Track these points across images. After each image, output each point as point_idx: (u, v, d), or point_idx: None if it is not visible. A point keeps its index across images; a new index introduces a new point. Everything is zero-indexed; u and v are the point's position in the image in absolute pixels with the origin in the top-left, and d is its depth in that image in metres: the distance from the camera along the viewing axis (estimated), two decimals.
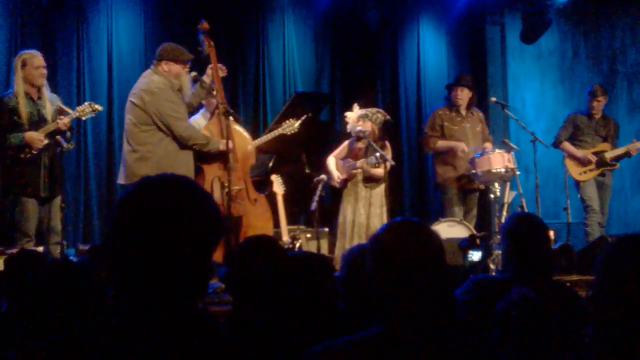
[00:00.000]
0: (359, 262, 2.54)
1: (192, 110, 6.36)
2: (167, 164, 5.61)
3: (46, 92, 5.97)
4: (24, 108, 5.76)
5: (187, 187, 1.58)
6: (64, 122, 5.84)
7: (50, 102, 5.97)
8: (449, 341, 1.78)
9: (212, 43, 6.03)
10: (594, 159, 7.75)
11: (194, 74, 5.96)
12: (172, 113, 5.71)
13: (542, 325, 2.30)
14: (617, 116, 8.91)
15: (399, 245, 1.81)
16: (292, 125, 6.78)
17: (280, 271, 2.88)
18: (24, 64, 5.84)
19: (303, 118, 6.89)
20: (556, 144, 7.96)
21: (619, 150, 7.84)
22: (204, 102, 6.62)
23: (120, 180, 5.89)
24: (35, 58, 5.90)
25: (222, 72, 6.09)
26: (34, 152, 5.74)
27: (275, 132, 6.78)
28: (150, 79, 5.79)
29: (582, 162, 7.79)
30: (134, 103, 5.70)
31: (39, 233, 5.98)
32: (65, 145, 5.80)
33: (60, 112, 5.96)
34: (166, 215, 1.50)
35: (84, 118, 6.09)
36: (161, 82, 5.75)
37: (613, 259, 1.85)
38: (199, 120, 6.70)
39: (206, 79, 6.02)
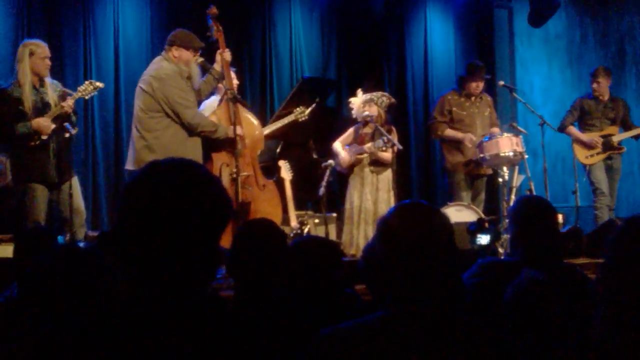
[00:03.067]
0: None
1: (204, 98, 6.36)
2: (174, 151, 5.60)
3: (47, 78, 5.97)
4: (28, 97, 5.75)
5: (194, 171, 1.57)
6: (68, 104, 5.83)
7: (52, 88, 5.96)
8: (457, 324, 1.78)
9: (220, 28, 6.03)
10: (600, 142, 7.72)
11: (201, 59, 5.95)
12: (181, 100, 5.70)
13: (552, 307, 2.30)
14: (626, 98, 8.85)
15: (408, 227, 1.81)
16: (303, 112, 6.90)
17: (279, 255, 2.88)
18: (31, 53, 5.82)
19: (313, 105, 6.92)
20: (562, 129, 7.93)
21: (637, 130, 7.80)
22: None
23: (128, 165, 5.91)
24: (42, 48, 5.88)
25: (228, 55, 6.09)
26: (43, 138, 5.75)
27: (286, 120, 6.84)
28: (159, 65, 5.79)
29: (588, 146, 7.76)
30: (143, 89, 5.70)
31: (52, 219, 6.02)
32: (72, 131, 5.81)
33: (63, 98, 5.96)
34: (174, 199, 1.50)
35: (87, 97, 6.07)
36: (170, 69, 5.74)
37: (622, 240, 1.84)
38: (212, 104, 6.67)
39: (216, 66, 6.03)
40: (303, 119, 6.89)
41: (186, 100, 5.76)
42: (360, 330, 1.76)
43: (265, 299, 2.78)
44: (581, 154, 7.82)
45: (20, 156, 5.81)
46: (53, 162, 5.84)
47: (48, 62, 5.90)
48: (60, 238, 5.89)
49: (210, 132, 5.83)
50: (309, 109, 6.86)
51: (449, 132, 7.47)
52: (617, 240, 1.84)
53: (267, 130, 6.53)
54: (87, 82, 6.07)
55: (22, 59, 5.81)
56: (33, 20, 7.54)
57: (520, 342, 2.29)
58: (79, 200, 6.03)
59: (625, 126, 7.89)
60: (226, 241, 5.65)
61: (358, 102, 6.77)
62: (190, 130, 5.76)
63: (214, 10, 6.02)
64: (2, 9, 7.41)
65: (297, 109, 6.90)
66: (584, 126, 7.90)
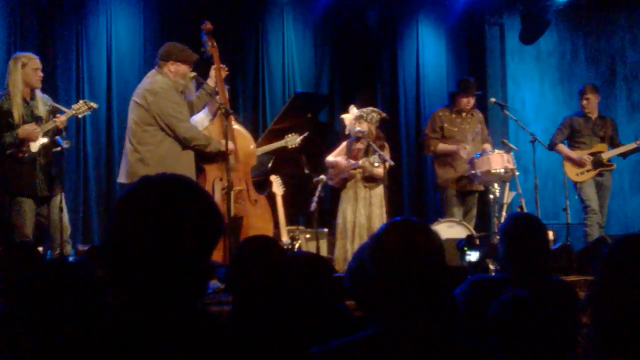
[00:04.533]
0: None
1: (196, 113, 6.37)
2: (168, 165, 5.60)
3: (38, 92, 5.96)
4: (18, 109, 5.74)
5: (186, 186, 1.58)
6: (61, 120, 5.84)
7: (43, 102, 5.95)
8: (448, 341, 1.78)
9: (215, 44, 6.05)
10: (589, 159, 7.75)
11: (193, 74, 5.95)
12: (175, 114, 5.71)
13: (535, 324, 2.30)
14: (617, 117, 8.92)
15: (400, 244, 1.81)
16: (294, 140, 6.99)
17: (279, 271, 2.88)
18: (23, 65, 5.82)
19: (305, 134, 6.99)
20: (551, 146, 7.96)
21: (629, 147, 7.83)
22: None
23: (121, 179, 5.89)
24: (33, 60, 5.88)
25: (224, 72, 6.11)
26: (32, 150, 5.73)
27: (277, 145, 6.91)
28: (154, 79, 5.79)
29: (578, 164, 7.79)
30: (138, 102, 5.70)
31: (41, 233, 5.99)
32: (64, 145, 5.81)
33: (54, 112, 5.95)
34: (165, 214, 1.50)
35: (80, 116, 6.09)
36: (165, 83, 5.75)
37: (612, 259, 1.85)
38: (202, 119, 6.69)
39: (210, 81, 6.04)
40: (293, 145, 6.97)
41: (180, 114, 5.76)
42: (350, 350, 1.76)
43: (261, 314, 2.78)
44: (571, 172, 7.84)
45: (7, 168, 5.78)
46: (41, 176, 5.82)
47: (40, 73, 5.90)
48: (48, 253, 5.87)
49: (203, 146, 5.83)
50: (300, 137, 6.94)
51: (442, 147, 7.50)
52: (607, 259, 1.85)
53: (257, 151, 6.56)
54: (81, 102, 6.09)
55: (13, 71, 5.80)
56: (26, 33, 7.55)
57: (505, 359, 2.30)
58: (65, 216, 6.00)
59: (613, 144, 7.93)
60: (217, 256, 5.64)
61: (350, 117, 6.79)
62: (184, 143, 5.76)
63: (208, 26, 6.04)
64: None
65: (289, 135, 6.97)
66: (573, 144, 7.94)
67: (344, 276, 2.89)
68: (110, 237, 1.54)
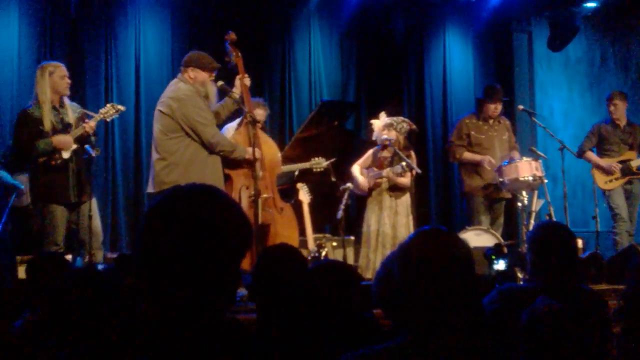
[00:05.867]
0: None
1: (223, 122, 6.39)
2: (195, 171, 5.63)
3: (67, 100, 6.03)
4: (48, 117, 5.81)
5: (214, 196, 1.59)
6: (90, 125, 5.90)
7: (72, 109, 6.02)
8: (478, 351, 1.77)
9: (239, 53, 6.07)
10: (618, 167, 7.68)
11: (220, 83, 5.98)
12: (200, 119, 5.74)
13: (567, 335, 2.28)
14: None
15: (428, 254, 1.80)
16: (320, 164, 6.94)
17: (300, 280, 2.88)
18: (50, 73, 5.89)
19: (332, 160, 6.96)
20: (580, 154, 7.91)
21: None
22: None
23: (149, 189, 5.93)
24: (60, 68, 5.95)
25: (248, 81, 6.13)
26: (64, 157, 5.79)
27: (302, 166, 6.91)
28: (177, 87, 5.83)
29: (607, 171, 7.73)
30: (162, 111, 5.74)
31: (71, 240, 6.05)
32: (92, 153, 5.87)
33: (83, 119, 6.02)
34: (194, 224, 1.51)
35: (108, 120, 6.14)
36: (188, 89, 5.79)
37: None
38: (233, 127, 6.69)
39: (236, 90, 6.07)
40: (318, 169, 6.94)
41: (205, 119, 5.79)
42: (379, 358, 1.76)
43: (286, 323, 2.78)
44: (600, 180, 7.78)
45: (39, 176, 5.84)
46: (72, 183, 5.88)
47: (67, 80, 5.97)
48: (78, 260, 5.92)
49: (229, 152, 5.85)
50: (327, 162, 6.92)
51: (467, 155, 7.46)
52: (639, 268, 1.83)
53: (282, 170, 6.58)
54: (109, 105, 6.13)
55: (40, 80, 5.87)
56: (56, 41, 7.66)
57: None
58: (97, 222, 6.07)
59: (638, 152, 7.85)
60: (245, 264, 5.66)
61: (379, 124, 6.77)
62: (210, 149, 5.79)
63: (232, 36, 6.07)
64: (26, 30, 7.53)
65: (315, 159, 6.95)
66: (602, 151, 7.87)
67: (371, 284, 2.89)
68: (140, 246, 1.55)
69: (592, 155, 7.88)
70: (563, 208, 7.27)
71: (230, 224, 1.55)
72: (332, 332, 2.77)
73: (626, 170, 7.71)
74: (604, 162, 7.76)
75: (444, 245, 1.82)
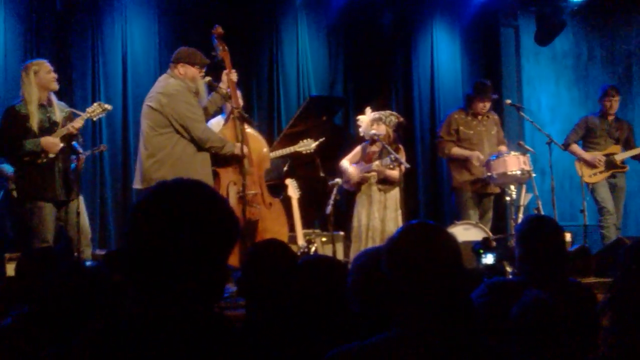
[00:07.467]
0: (370, 266, 2.54)
1: (209, 117, 6.37)
2: (183, 167, 5.62)
3: (54, 98, 6.00)
4: (35, 115, 5.78)
5: (202, 191, 1.58)
6: (74, 125, 5.86)
7: (59, 108, 5.99)
8: (467, 344, 1.77)
9: (226, 48, 6.05)
10: (602, 160, 7.71)
11: (208, 78, 5.97)
12: (190, 115, 5.72)
13: (556, 327, 2.29)
14: (633, 117, 8.87)
15: (417, 248, 1.81)
16: (308, 145, 6.87)
17: (289, 275, 2.88)
18: (36, 72, 5.85)
19: (320, 140, 6.93)
20: (565, 146, 7.93)
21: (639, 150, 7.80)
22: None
23: (136, 184, 5.91)
24: (44, 65, 5.91)
25: (234, 76, 6.11)
26: (50, 156, 5.77)
27: (291, 149, 6.84)
28: (166, 82, 5.81)
29: (591, 164, 7.75)
30: (151, 107, 5.72)
31: (59, 237, 6.02)
32: (80, 150, 5.86)
33: (70, 118, 5.99)
34: (181, 220, 1.51)
35: (94, 119, 6.10)
36: (178, 85, 5.77)
37: (632, 261, 1.84)
38: (219, 122, 6.67)
39: (222, 85, 6.05)
40: (308, 151, 6.89)
41: (195, 114, 5.78)
42: (368, 352, 1.76)
43: (275, 318, 2.78)
44: (584, 173, 7.81)
45: (26, 174, 5.81)
46: (59, 181, 5.85)
47: (54, 74, 5.93)
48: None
49: (218, 148, 5.84)
50: (316, 143, 6.88)
51: (456, 151, 7.47)
52: (627, 261, 1.83)
53: (271, 155, 6.55)
54: (95, 104, 6.09)
55: (26, 79, 5.82)
56: (41, 38, 7.60)
57: None
58: (85, 220, 6.04)
59: (628, 147, 7.88)
60: (233, 260, 5.65)
61: (366, 120, 6.77)
62: (199, 145, 5.77)
63: (219, 30, 6.05)
64: (12, 27, 7.47)
65: (303, 140, 6.90)
66: (587, 144, 7.90)
67: (348, 275, 2.88)
68: (127, 242, 1.55)
69: (576, 148, 7.90)
70: (551, 202, 7.29)
71: (217, 218, 1.55)
72: (321, 328, 2.76)
73: (610, 164, 7.74)
74: (588, 155, 7.79)
75: (430, 238, 1.83)
